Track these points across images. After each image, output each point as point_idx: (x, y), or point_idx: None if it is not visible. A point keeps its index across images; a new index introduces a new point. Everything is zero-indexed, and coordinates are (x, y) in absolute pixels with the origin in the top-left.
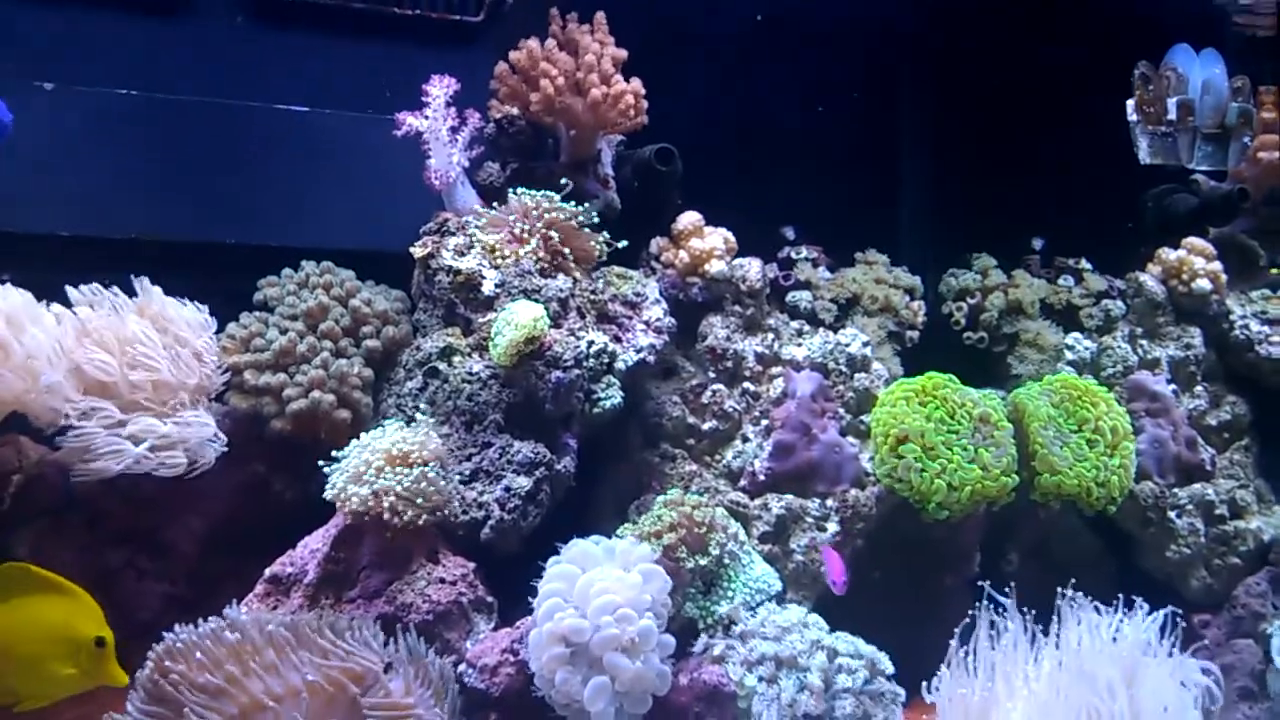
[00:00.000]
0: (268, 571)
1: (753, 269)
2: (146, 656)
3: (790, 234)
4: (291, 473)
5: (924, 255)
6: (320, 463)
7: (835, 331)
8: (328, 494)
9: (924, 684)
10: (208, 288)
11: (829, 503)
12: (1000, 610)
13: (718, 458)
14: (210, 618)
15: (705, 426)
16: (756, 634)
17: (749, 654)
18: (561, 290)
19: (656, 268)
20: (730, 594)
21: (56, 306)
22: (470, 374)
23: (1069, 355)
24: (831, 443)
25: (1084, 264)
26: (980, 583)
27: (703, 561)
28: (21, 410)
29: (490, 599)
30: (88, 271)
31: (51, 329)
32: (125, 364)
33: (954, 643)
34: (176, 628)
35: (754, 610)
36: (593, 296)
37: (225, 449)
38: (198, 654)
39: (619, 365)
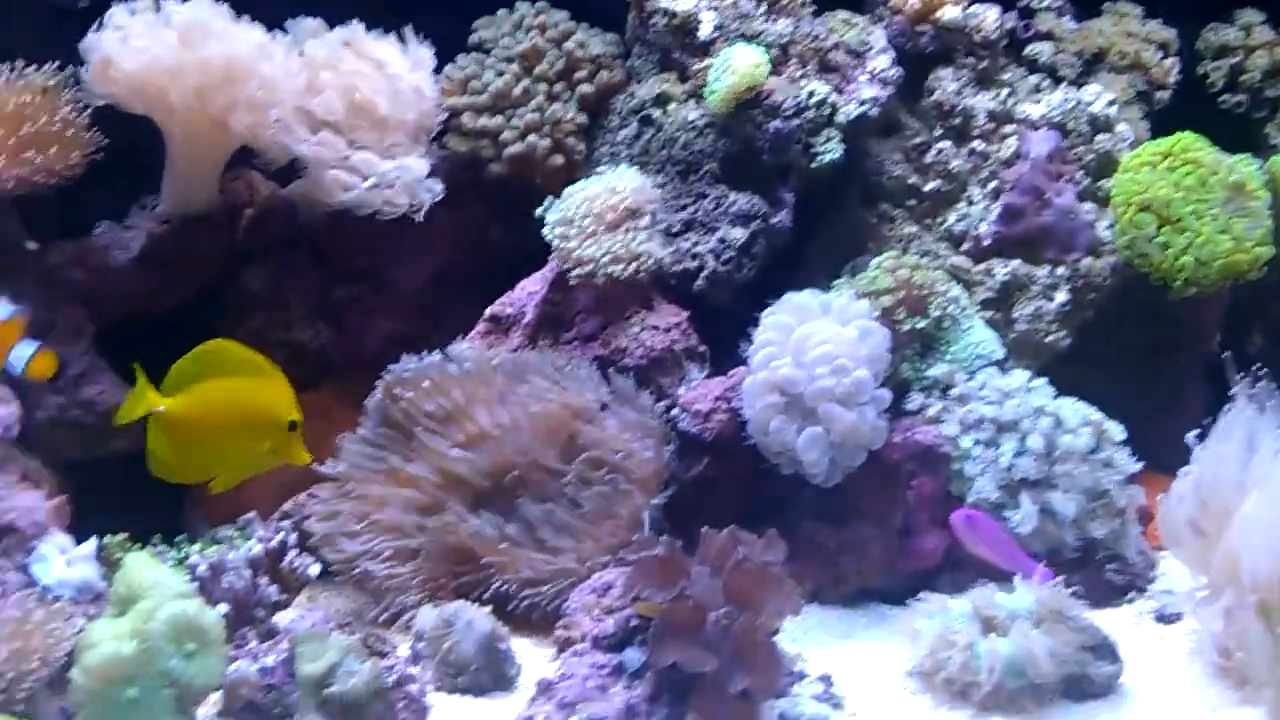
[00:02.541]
0: (488, 311)
1: (989, 17)
2: (374, 386)
3: None
4: (508, 217)
5: (1181, 7)
6: (537, 209)
7: (1077, 88)
8: (546, 234)
9: (1152, 458)
10: (424, 28)
11: (1059, 271)
12: (1252, 385)
13: (939, 220)
14: (436, 351)
15: (927, 187)
16: (975, 397)
17: (966, 416)
18: (782, 35)
19: (884, 14)
20: (948, 358)
21: (281, 41)
22: (686, 122)
23: None
24: (1066, 208)
25: None
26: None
27: (921, 324)
28: (251, 145)
29: (702, 348)
30: (308, 8)
31: (279, 64)
32: (348, 101)
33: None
34: (405, 358)
35: (973, 375)
36: (815, 43)
37: (444, 192)
38: (426, 383)
39: (840, 118)
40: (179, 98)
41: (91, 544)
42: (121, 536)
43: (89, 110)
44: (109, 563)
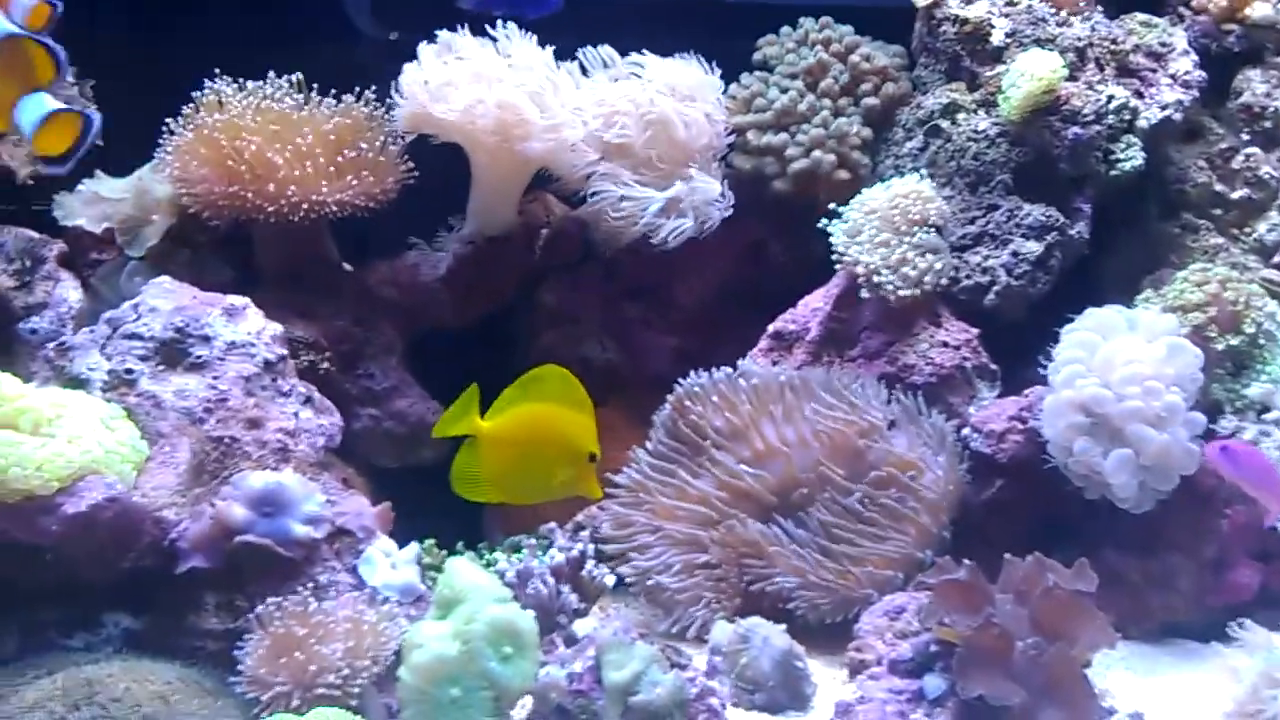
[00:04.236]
0: (771, 328)
1: None
2: (658, 402)
3: None
4: (789, 235)
5: None
6: (821, 223)
7: None
8: (833, 243)
9: None
10: (709, 48)
11: None
12: None
13: (1248, 230)
14: (722, 367)
15: (1235, 195)
16: None
17: None
18: (1079, 39)
19: (1185, 14)
20: (1265, 377)
21: (574, 68)
22: (976, 132)
23: None
24: None
25: None
26: None
27: (1234, 341)
28: (547, 168)
29: (993, 366)
30: (594, 35)
31: (572, 90)
32: (640, 125)
33: None
34: (694, 374)
35: None
36: (1113, 47)
37: (730, 211)
38: (714, 398)
39: (1140, 124)
40: (482, 129)
41: (414, 548)
42: (430, 542)
43: (402, 138)
44: (424, 567)
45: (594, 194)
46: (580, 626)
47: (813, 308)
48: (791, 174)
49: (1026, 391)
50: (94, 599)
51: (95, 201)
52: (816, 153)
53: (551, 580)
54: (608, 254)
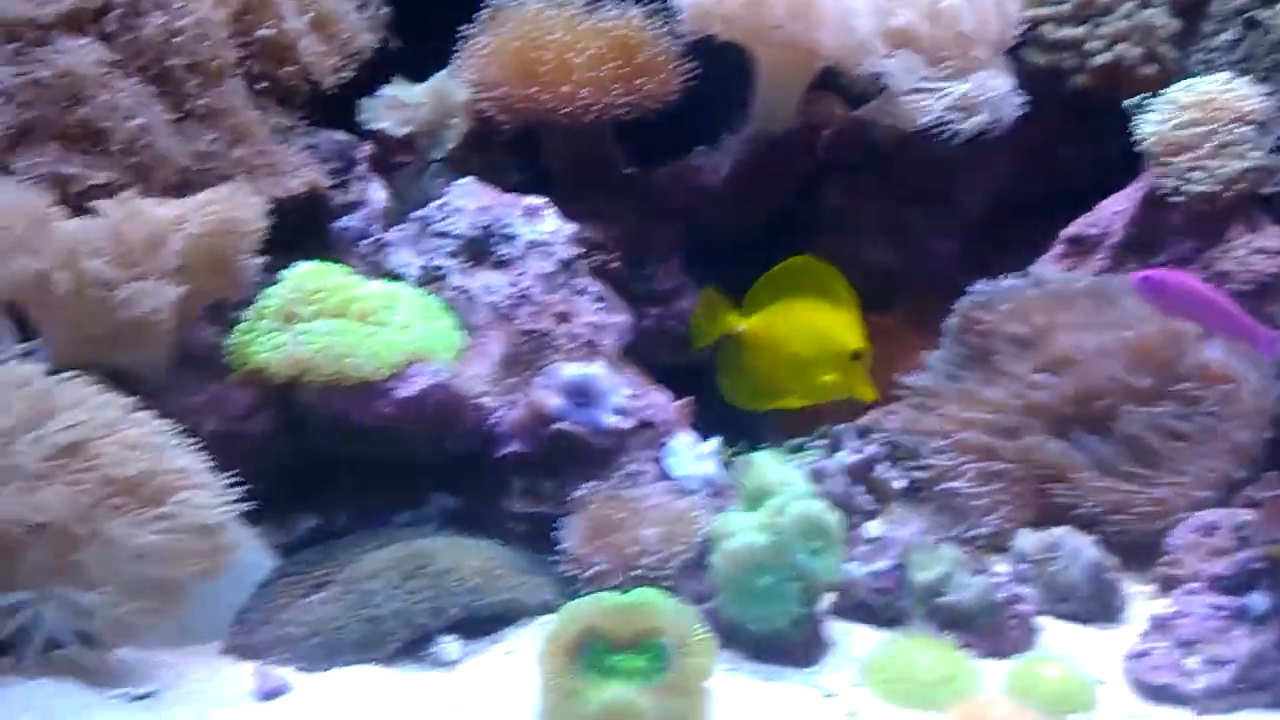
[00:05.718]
0: (1067, 232)
1: None
2: (941, 308)
3: None
4: (1080, 135)
5: None
6: (1121, 121)
7: None
8: (1142, 138)
9: None
10: None
11: None
12: None
13: None
14: (1011, 274)
15: None
16: None
17: None
18: None
19: None
20: None
21: None
22: None
23: None
24: None
25: None
26: None
27: None
28: (834, 65)
29: None
30: None
31: None
32: (930, 19)
33: None
34: (982, 281)
35: None
36: None
37: (1022, 109)
38: (1007, 305)
39: None
40: (767, 23)
41: (715, 442)
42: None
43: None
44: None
45: (880, 90)
46: (870, 528)
47: (1114, 210)
48: (1092, 68)
49: None
50: (418, 479)
51: (397, 107)
52: (1120, 46)
53: (846, 480)
54: (888, 155)
